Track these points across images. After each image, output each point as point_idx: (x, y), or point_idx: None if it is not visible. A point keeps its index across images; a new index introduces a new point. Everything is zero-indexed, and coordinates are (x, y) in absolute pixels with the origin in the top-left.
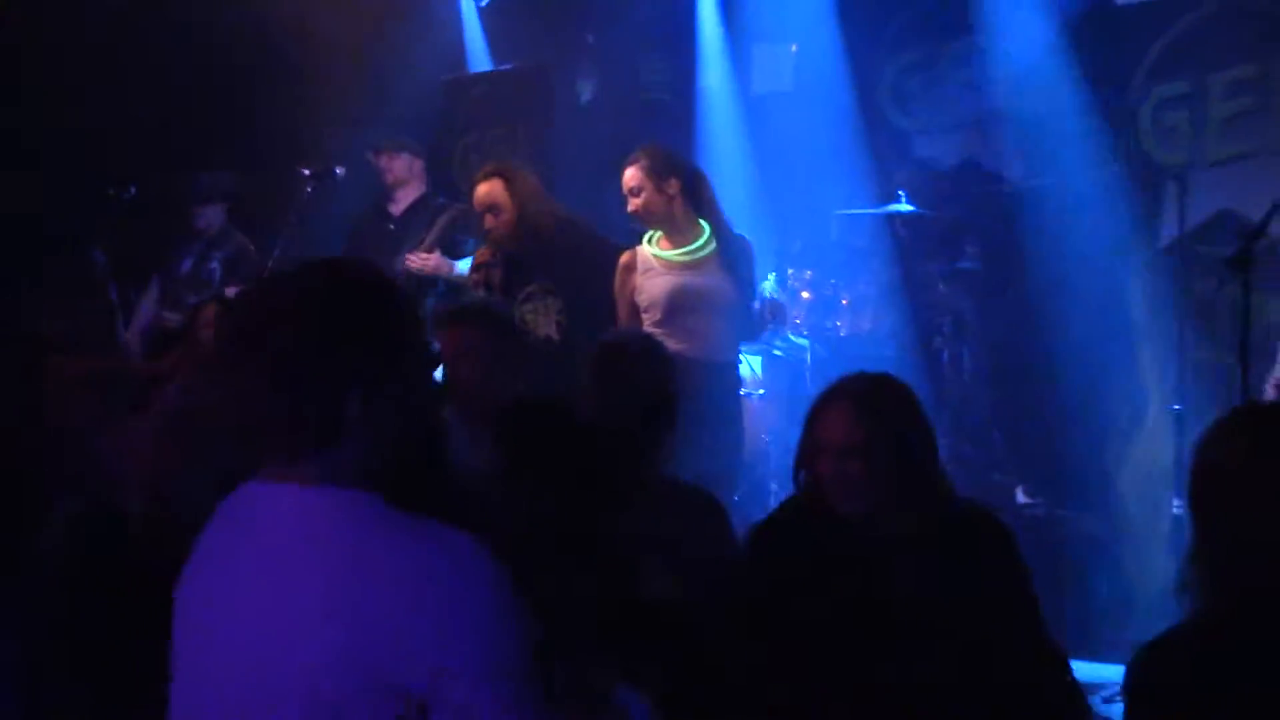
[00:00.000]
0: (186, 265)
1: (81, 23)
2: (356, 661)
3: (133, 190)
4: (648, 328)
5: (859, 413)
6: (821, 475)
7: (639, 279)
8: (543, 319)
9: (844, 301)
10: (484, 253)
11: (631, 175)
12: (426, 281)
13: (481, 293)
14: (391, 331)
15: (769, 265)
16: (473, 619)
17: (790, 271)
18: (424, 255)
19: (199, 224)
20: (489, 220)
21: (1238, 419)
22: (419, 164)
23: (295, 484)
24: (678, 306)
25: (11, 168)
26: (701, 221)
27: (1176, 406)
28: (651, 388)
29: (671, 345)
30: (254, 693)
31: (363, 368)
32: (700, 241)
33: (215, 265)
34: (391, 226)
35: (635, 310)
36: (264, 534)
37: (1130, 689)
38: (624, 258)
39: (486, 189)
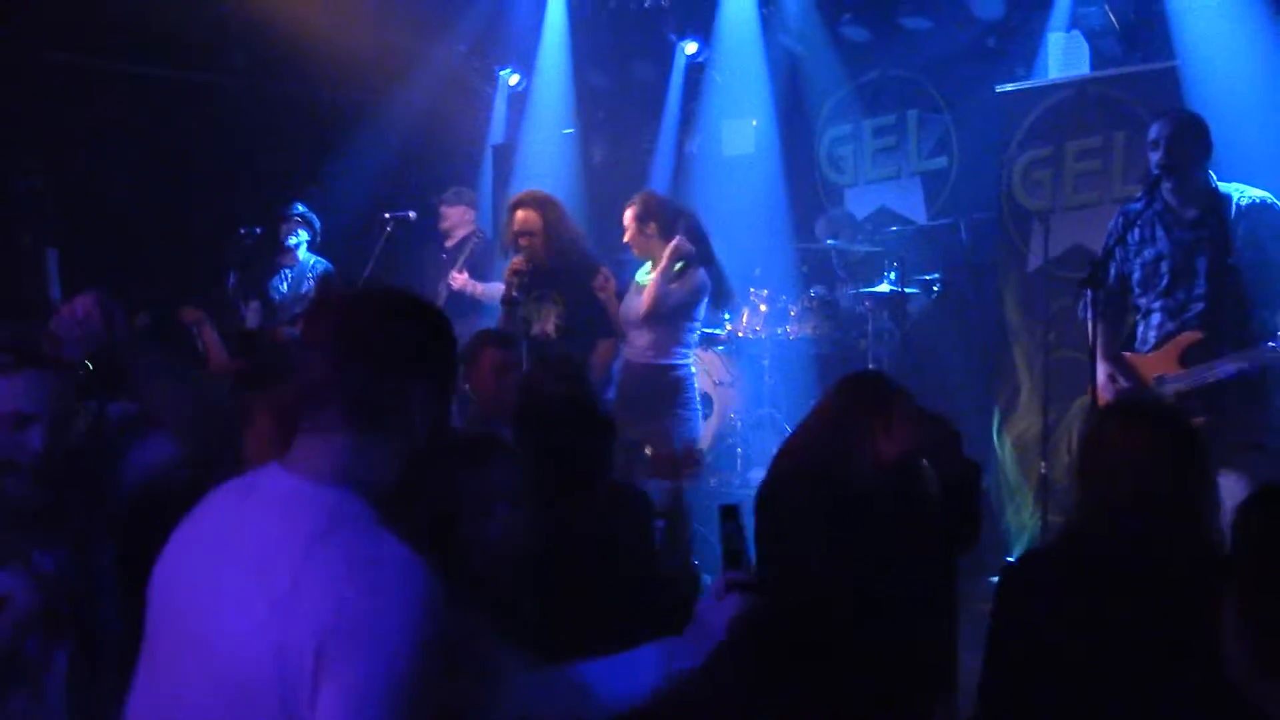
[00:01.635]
0: (283, 286)
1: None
2: (275, 640)
3: (257, 231)
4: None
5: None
6: (885, 436)
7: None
8: (542, 318)
9: (792, 313)
10: (519, 262)
11: (626, 216)
12: (468, 302)
13: (512, 292)
14: (427, 350)
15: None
16: (380, 628)
17: (751, 290)
18: (455, 275)
19: (287, 242)
20: (524, 241)
21: (1109, 409)
22: (471, 212)
23: (298, 475)
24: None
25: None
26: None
27: (1043, 390)
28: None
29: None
30: (201, 659)
31: (405, 370)
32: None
33: (311, 285)
34: (444, 256)
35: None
36: (255, 511)
37: (998, 588)
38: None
39: (524, 216)
